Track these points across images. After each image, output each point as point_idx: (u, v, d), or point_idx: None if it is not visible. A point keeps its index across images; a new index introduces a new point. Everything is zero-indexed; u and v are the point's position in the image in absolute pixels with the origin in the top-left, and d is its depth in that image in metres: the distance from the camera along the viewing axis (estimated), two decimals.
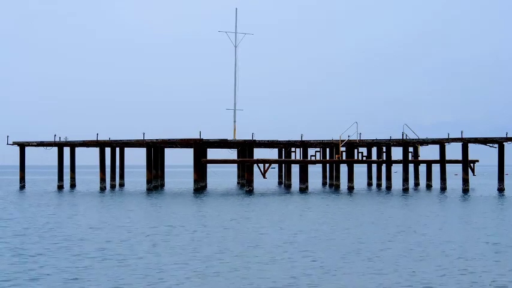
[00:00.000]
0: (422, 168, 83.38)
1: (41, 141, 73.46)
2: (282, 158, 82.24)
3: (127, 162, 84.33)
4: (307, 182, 68.59)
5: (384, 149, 71.84)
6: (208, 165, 74.68)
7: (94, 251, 23.29)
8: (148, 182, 69.56)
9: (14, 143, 73.66)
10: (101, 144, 71.93)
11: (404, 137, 68.31)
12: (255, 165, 64.50)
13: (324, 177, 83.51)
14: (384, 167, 73.64)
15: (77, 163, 76.12)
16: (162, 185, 77.05)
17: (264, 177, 63.96)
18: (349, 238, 27.22)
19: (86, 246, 24.59)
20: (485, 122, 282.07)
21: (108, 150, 74.58)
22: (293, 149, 77.62)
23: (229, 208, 44.16)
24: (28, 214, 39.93)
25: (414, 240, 26.56)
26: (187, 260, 21.39)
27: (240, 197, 56.86)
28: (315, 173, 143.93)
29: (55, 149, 74.33)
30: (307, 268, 19.84)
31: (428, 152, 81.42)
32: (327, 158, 78.11)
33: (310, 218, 36.83)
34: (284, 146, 75.61)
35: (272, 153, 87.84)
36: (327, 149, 78.65)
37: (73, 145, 73.64)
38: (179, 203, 49.79)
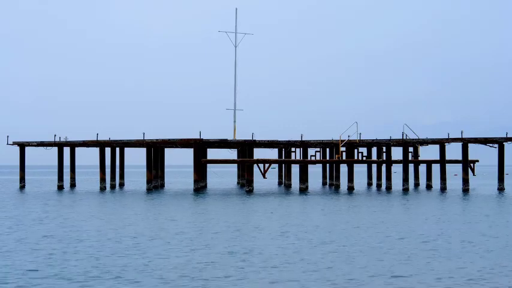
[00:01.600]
0: (422, 168, 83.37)
1: (41, 141, 73.44)
2: (282, 158, 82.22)
3: (127, 162, 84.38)
4: (307, 182, 68.56)
5: (384, 149, 71.79)
6: (208, 165, 74.68)
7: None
8: (148, 182, 69.57)
9: (14, 143, 73.62)
10: (101, 144, 71.92)
11: (404, 137, 68.28)
12: (255, 165, 64.50)
13: (324, 177, 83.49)
14: (384, 167, 73.59)
15: (77, 163, 76.11)
16: (162, 185, 77.06)
17: (264, 177, 63.95)
18: None
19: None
20: (486, 121, 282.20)
21: (108, 150, 74.60)
22: (293, 149, 77.59)
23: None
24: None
25: None
26: None
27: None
28: (315, 173, 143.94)
29: (55, 149, 74.33)
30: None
31: (428, 152, 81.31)
32: (327, 158, 78.10)
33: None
34: (284, 146, 75.59)
35: (272, 153, 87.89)
36: (327, 149, 78.63)
37: (73, 145, 73.62)
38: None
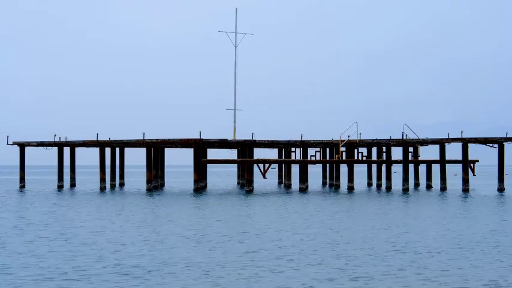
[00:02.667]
0: (422, 168, 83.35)
1: (41, 141, 73.43)
2: (282, 158, 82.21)
3: (127, 162, 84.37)
4: (307, 182, 68.55)
5: (384, 149, 71.78)
6: (208, 165, 74.68)
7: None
8: (148, 182, 69.57)
9: (14, 143, 73.60)
10: (101, 144, 71.92)
11: (404, 137, 68.27)
12: (255, 165, 64.50)
13: (324, 177, 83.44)
14: (384, 167, 73.57)
15: (77, 163, 76.10)
16: (162, 185, 77.06)
17: (264, 177, 63.94)
18: None
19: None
20: (486, 121, 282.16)
21: (108, 150, 74.60)
22: (293, 149, 77.60)
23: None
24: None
25: None
26: None
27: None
28: (315, 173, 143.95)
29: (55, 149, 74.33)
30: None
31: (428, 152, 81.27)
32: (327, 158, 78.08)
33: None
34: (284, 146, 75.58)
35: (272, 153, 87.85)
36: (327, 149, 78.61)
37: (73, 145, 73.62)
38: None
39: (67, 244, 25.25)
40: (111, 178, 75.33)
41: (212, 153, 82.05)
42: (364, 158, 72.98)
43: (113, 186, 74.67)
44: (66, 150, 74.72)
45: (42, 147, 74.54)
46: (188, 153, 73.70)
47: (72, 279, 18.21)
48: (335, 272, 19.26)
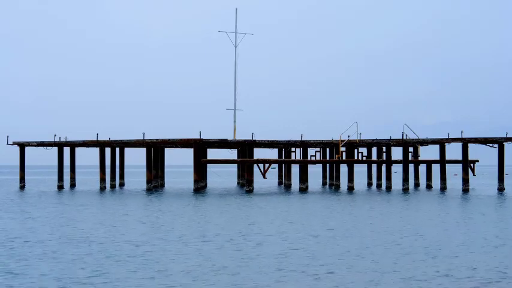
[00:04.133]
0: (422, 168, 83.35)
1: (41, 141, 73.44)
2: (282, 158, 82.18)
3: (127, 162, 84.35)
4: (307, 182, 68.55)
5: (384, 149, 71.78)
6: (208, 165, 74.68)
7: None
8: (148, 182, 69.59)
9: (14, 143, 73.61)
10: (101, 144, 71.93)
11: (404, 137, 68.27)
12: (255, 165, 64.50)
13: (324, 177, 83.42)
14: (384, 167, 73.58)
15: (77, 163, 76.10)
16: (162, 185, 77.06)
17: (264, 177, 63.94)
18: None
19: None
20: (486, 121, 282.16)
21: (108, 150, 74.61)
22: (293, 149, 77.58)
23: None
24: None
25: None
26: None
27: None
28: (315, 173, 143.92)
29: (55, 149, 74.33)
30: None
31: (428, 152, 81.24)
32: (327, 158, 78.06)
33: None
34: (284, 146, 75.57)
35: (272, 153, 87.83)
36: (327, 149, 78.61)
37: (73, 145, 73.63)
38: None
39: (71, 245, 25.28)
40: (111, 178, 75.34)
41: (212, 153, 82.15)
42: (364, 158, 72.98)
43: (112, 186, 74.68)
44: (66, 150, 74.76)
45: (42, 147, 74.57)
46: (188, 153, 73.75)
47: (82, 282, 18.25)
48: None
